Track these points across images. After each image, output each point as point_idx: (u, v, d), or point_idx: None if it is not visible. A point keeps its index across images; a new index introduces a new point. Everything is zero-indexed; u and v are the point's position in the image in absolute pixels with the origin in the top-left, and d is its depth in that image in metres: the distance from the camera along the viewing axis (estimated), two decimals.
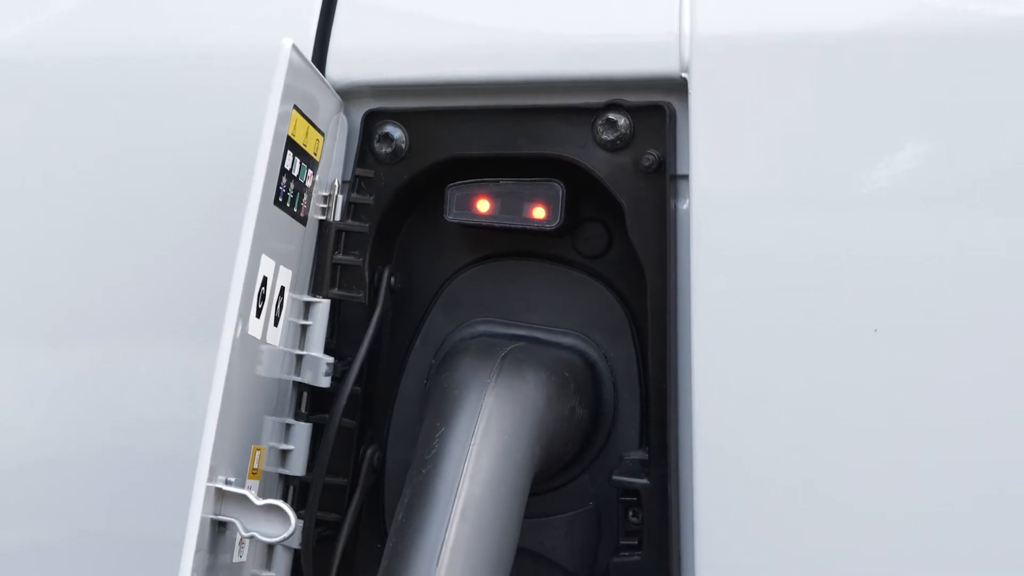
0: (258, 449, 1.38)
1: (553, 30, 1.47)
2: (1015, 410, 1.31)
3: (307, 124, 1.41)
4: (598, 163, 1.46)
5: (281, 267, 1.38)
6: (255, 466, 1.37)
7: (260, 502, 1.27)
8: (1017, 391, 1.31)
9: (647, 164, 1.44)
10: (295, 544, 1.43)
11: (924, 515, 1.33)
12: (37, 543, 1.57)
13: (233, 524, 1.27)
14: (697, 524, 1.38)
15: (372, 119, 1.52)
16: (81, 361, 1.56)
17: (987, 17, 1.36)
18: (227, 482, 1.27)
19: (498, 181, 1.50)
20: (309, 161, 1.43)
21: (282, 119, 1.33)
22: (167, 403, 1.53)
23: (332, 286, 1.51)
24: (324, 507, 1.47)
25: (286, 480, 1.46)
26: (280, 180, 1.35)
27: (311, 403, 1.49)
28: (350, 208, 1.52)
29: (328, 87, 1.48)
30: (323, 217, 1.50)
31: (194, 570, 1.22)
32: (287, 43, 1.33)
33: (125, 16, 1.59)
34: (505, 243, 1.56)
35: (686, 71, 1.42)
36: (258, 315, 1.33)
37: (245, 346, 1.31)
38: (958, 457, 1.32)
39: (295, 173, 1.39)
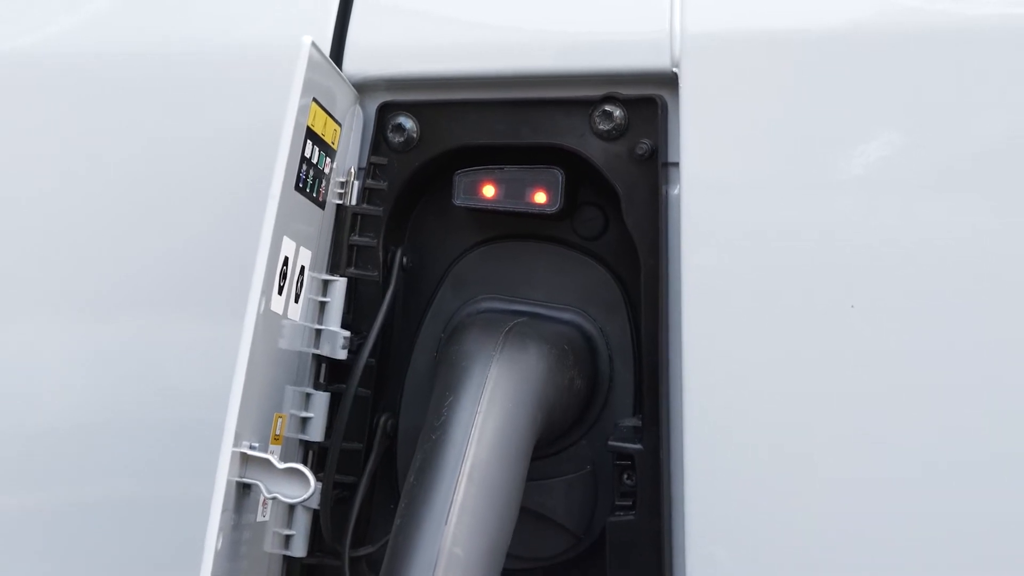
0: (280, 416, 1.39)
1: (553, 28, 1.47)
2: (991, 382, 1.32)
3: (325, 115, 1.41)
4: (595, 151, 1.47)
5: (301, 248, 1.39)
6: (277, 432, 1.38)
7: (282, 466, 1.27)
8: (990, 363, 1.32)
9: (640, 152, 1.45)
10: (314, 504, 1.44)
11: (906, 481, 1.33)
12: (76, 502, 1.57)
13: (257, 486, 1.28)
14: (687, 486, 1.38)
15: (386, 110, 1.52)
16: (118, 334, 1.56)
17: (960, 16, 1.36)
18: (251, 447, 1.28)
19: (502, 168, 1.50)
20: (327, 150, 1.43)
21: (302, 111, 1.34)
22: (196, 373, 1.54)
23: (348, 265, 1.51)
24: (341, 470, 1.48)
25: (306, 445, 1.47)
26: (300, 167, 1.36)
27: (329, 374, 1.49)
28: (365, 193, 1.52)
29: (345, 81, 1.48)
30: (340, 201, 1.50)
31: (221, 529, 1.23)
32: (307, 40, 1.33)
33: (156, 16, 1.59)
34: (509, 226, 1.56)
35: (677, 66, 1.42)
36: (280, 292, 1.34)
37: (268, 321, 1.31)
38: (934, 423, 1.33)
39: (314, 161, 1.39)
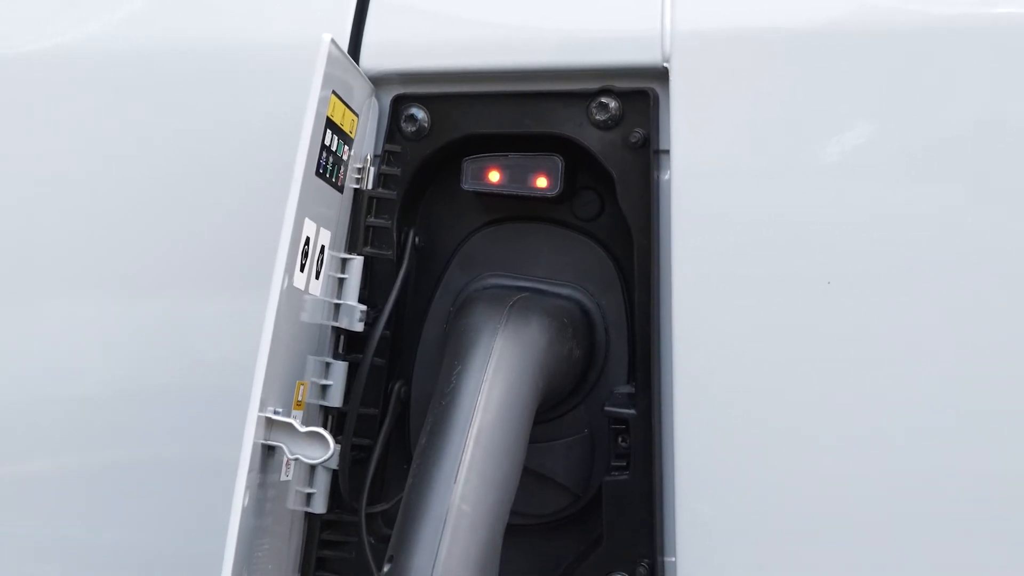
0: (302, 384, 1.40)
1: (554, 26, 1.47)
2: (969, 354, 1.34)
3: (344, 106, 1.41)
4: (592, 140, 1.47)
5: (322, 229, 1.40)
6: (299, 398, 1.39)
7: (304, 429, 1.28)
8: (971, 339, 1.34)
9: (634, 141, 1.45)
10: (333, 465, 1.45)
11: (888, 443, 1.35)
12: (115, 464, 1.58)
13: (280, 448, 1.28)
14: (677, 448, 1.40)
15: (399, 102, 1.53)
16: (153, 308, 1.57)
17: (936, 15, 1.37)
18: (275, 412, 1.29)
19: (507, 155, 1.51)
20: (345, 138, 1.44)
21: (322, 102, 1.34)
22: (225, 345, 1.55)
23: (365, 245, 1.52)
24: (358, 433, 1.49)
25: (325, 410, 1.48)
26: (321, 154, 1.36)
27: (347, 345, 1.50)
28: (380, 178, 1.53)
29: (362, 75, 1.49)
30: (357, 186, 1.51)
31: (247, 487, 1.24)
32: (327, 37, 1.33)
33: (187, 16, 1.59)
34: (513, 208, 1.56)
35: (667, 61, 1.42)
36: (302, 270, 1.35)
37: (291, 296, 1.32)
38: (913, 387, 1.35)
39: (333, 148, 1.40)
